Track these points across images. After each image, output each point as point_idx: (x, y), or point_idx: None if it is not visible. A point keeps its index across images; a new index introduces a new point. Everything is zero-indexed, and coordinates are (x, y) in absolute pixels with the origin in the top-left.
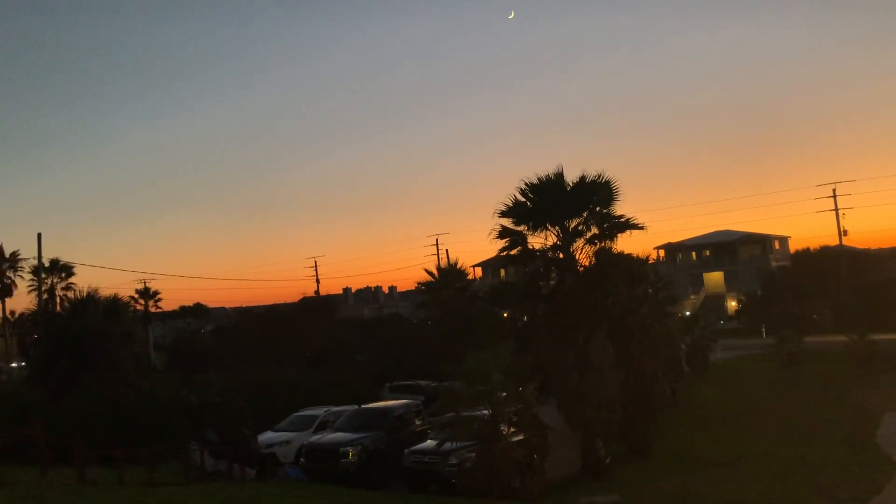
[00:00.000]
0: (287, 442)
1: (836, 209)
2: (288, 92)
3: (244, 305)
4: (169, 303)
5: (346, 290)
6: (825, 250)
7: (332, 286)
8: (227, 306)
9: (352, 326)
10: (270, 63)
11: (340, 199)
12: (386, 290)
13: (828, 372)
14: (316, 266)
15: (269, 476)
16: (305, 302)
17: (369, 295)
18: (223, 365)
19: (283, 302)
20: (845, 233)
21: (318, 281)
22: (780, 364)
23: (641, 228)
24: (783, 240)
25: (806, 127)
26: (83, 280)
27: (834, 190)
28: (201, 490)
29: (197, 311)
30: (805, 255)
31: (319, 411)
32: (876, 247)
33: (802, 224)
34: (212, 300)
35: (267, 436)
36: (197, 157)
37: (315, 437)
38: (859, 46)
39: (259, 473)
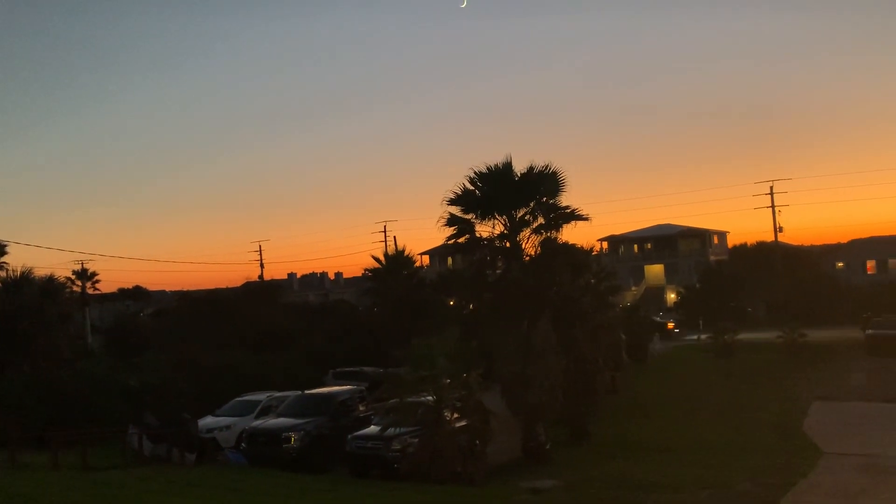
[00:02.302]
0: (228, 427)
1: (773, 206)
2: (237, 74)
3: (186, 289)
4: (107, 285)
5: (291, 275)
6: (761, 246)
7: (276, 271)
8: (167, 289)
9: (296, 312)
10: (220, 42)
11: (287, 183)
12: (332, 276)
13: (761, 363)
14: (260, 250)
15: (209, 461)
16: (249, 286)
17: (315, 281)
18: (164, 349)
19: (226, 286)
20: (781, 229)
21: (262, 265)
22: (716, 355)
23: (586, 219)
24: (722, 235)
25: (746, 125)
26: (17, 260)
27: (771, 187)
28: (138, 474)
29: (136, 294)
30: (742, 250)
31: (262, 396)
32: (809, 243)
33: (741, 220)
34: (152, 283)
35: (207, 420)
36: (139, 138)
37: (257, 422)
38: (797, 46)
39: (199, 458)
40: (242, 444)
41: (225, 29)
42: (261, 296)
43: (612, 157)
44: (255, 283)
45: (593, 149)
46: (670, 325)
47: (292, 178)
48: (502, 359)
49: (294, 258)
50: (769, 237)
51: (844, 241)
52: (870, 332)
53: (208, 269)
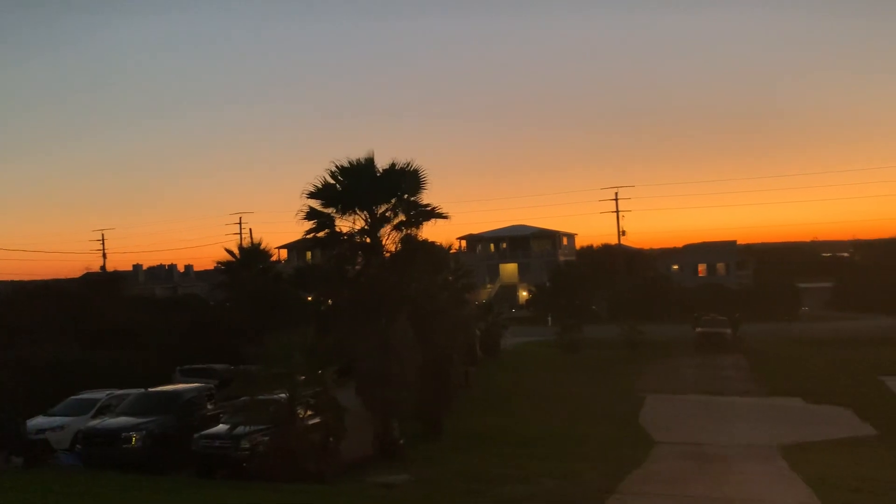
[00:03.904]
0: (62, 427)
1: (617, 211)
2: (89, 61)
3: (19, 279)
4: None
5: (137, 266)
6: (606, 248)
7: (121, 262)
8: None
9: (142, 305)
10: (70, 31)
11: (136, 172)
12: (182, 268)
13: (603, 358)
14: (103, 239)
15: (39, 463)
16: (89, 277)
17: (163, 273)
18: None
19: (64, 277)
20: (624, 233)
21: (104, 255)
22: (563, 350)
23: (446, 218)
24: (571, 237)
25: (596, 132)
26: None
27: (616, 193)
28: None
29: None
30: (589, 252)
31: (101, 395)
32: (649, 247)
33: (589, 223)
34: None
35: (38, 421)
36: None
37: (94, 422)
38: (645, 56)
39: (28, 461)
40: (78, 446)
41: (77, 20)
42: (102, 288)
43: (473, 159)
44: (95, 273)
45: (455, 149)
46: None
47: (142, 166)
48: (359, 355)
49: (141, 249)
50: (614, 240)
51: (679, 245)
52: (699, 330)
53: (45, 259)
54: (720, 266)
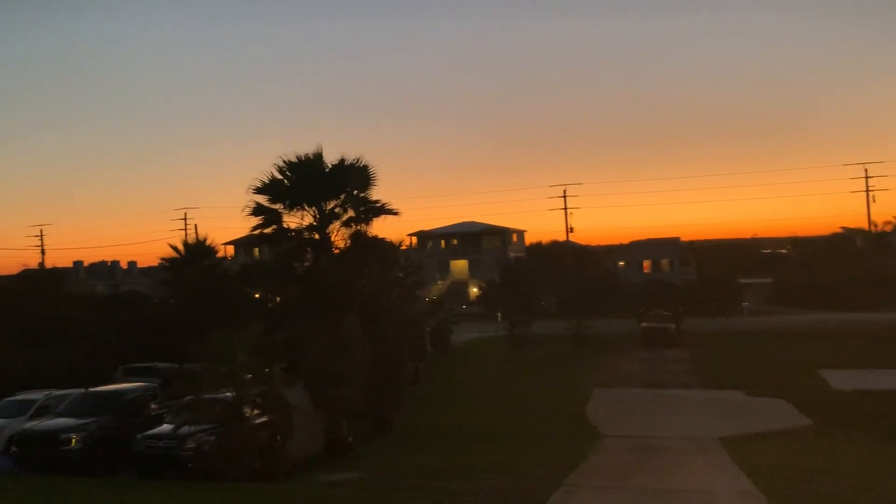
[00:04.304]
0: None
1: (566, 208)
2: (30, 54)
3: None
4: None
5: (78, 263)
6: (555, 245)
7: (61, 258)
8: None
9: (83, 303)
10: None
11: (77, 167)
12: (125, 265)
13: (551, 352)
14: (41, 235)
15: None
16: (27, 274)
17: (105, 270)
18: None
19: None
20: (572, 230)
21: (43, 252)
22: (512, 346)
23: (395, 214)
24: (520, 233)
25: (542, 130)
26: None
27: (564, 191)
28: None
29: None
30: (538, 248)
31: (38, 395)
32: (596, 243)
33: (538, 220)
34: None
35: None
36: None
37: (31, 423)
38: (589, 55)
39: None
40: (13, 448)
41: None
42: (40, 285)
43: (424, 156)
44: (34, 270)
45: (407, 146)
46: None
47: (83, 160)
48: (307, 352)
49: (82, 245)
50: (562, 237)
51: (626, 242)
52: (644, 324)
53: None
54: (664, 262)
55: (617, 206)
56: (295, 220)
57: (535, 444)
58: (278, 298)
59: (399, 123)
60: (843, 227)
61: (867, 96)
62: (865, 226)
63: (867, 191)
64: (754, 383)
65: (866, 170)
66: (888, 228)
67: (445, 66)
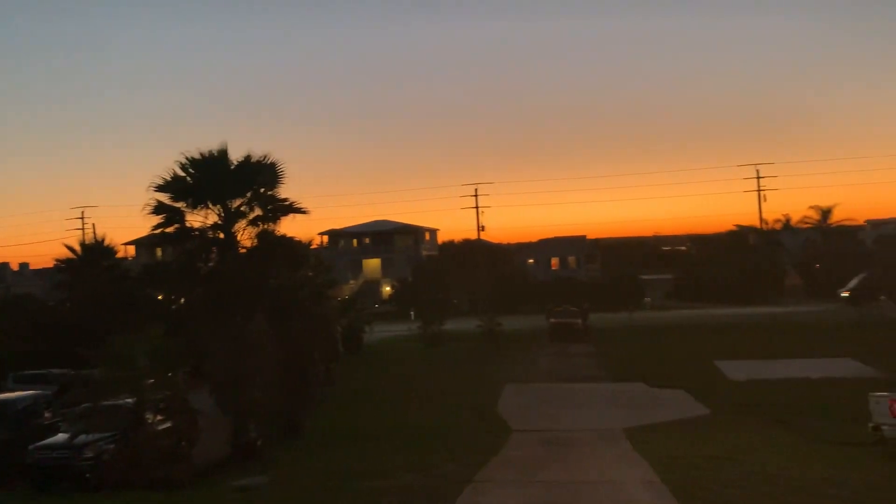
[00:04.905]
0: None
1: (477, 207)
2: None
3: None
4: None
5: None
6: (467, 243)
7: None
8: None
9: None
10: None
11: None
12: (16, 266)
13: (464, 350)
14: None
15: None
16: None
17: None
18: None
19: None
20: (483, 228)
21: None
22: (425, 344)
23: (304, 212)
24: (433, 232)
25: (454, 130)
26: None
27: (476, 190)
28: None
29: None
30: (450, 247)
31: None
32: (507, 241)
33: (450, 218)
34: None
35: None
36: None
37: None
38: (499, 56)
39: None
40: None
41: None
42: None
43: (335, 154)
44: None
45: (318, 145)
46: None
47: None
48: (213, 355)
49: None
50: (474, 235)
51: (535, 240)
52: (552, 320)
53: None
54: (571, 259)
55: (527, 205)
56: (199, 218)
57: (447, 440)
58: (182, 300)
59: (311, 122)
60: (737, 225)
61: (760, 99)
62: (758, 224)
63: (759, 190)
64: (656, 375)
65: (758, 170)
66: (778, 226)
67: (358, 65)
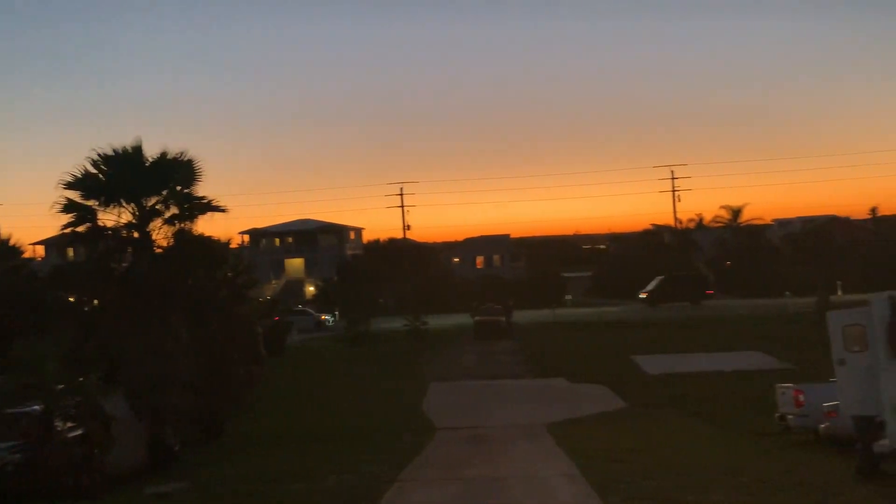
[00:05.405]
0: None
1: (402, 206)
2: None
3: None
4: None
5: None
6: (392, 242)
7: None
8: None
9: None
10: None
11: None
12: None
13: (390, 349)
14: None
15: None
16: None
17: None
18: None
19: None
20: (409, 227)
21: None
22: (350, 344)
23: (223, 211)
24: (358, 231)
25: (379, 128)
26: None
27: (401, 189)
28: None
29: None
30: (376, 246)
31: None
32: (433, 240)
33: (375, 218)
34: None
35: None
36: None
37: None
38: (424, 57)
39: None
40: None
41: None
42: None
43: (257, 152)
44: None
45: (240, 143)
46: None
47: None
48: (128, 359)
49: None
50: (399, 234)
51: (460, 239)
52: (477, 318)
53: None
54: (496, 258)
55: (451, 205)
56: (112, 217)
57: (372, 440)
58: (95, 302)
59: (232, 120)
60: (653, 224)
61: (676, 101)
62: (673, 223)
63: (673, 191)
64: (576, 371)
65: (672, 172)
66: (692, 225)
67: (282, 63)
